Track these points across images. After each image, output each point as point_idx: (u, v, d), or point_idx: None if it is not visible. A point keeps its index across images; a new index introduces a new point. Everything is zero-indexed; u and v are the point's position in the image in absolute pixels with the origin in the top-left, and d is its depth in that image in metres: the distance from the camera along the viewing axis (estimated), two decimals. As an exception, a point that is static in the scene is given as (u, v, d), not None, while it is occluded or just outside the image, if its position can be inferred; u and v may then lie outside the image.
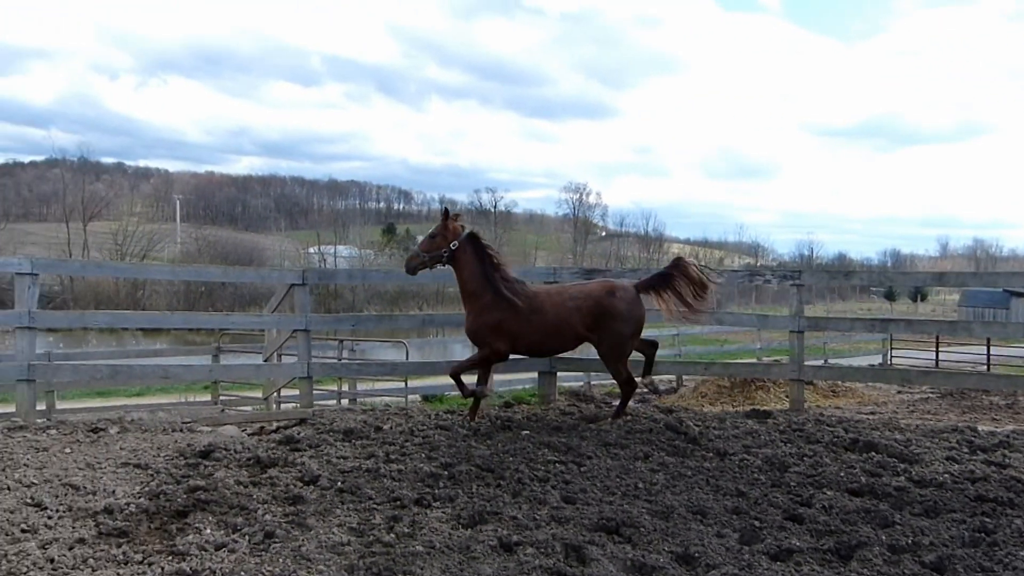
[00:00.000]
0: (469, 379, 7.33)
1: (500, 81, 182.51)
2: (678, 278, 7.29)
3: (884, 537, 4.31)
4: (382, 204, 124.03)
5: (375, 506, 4.71)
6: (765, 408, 8.71)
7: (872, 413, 9.31)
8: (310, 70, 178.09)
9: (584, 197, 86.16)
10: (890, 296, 73.18)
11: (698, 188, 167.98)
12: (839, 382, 12.02)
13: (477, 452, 5.93)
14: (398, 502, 4.77)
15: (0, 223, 69.61)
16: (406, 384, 12.39)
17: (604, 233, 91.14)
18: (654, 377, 8.56)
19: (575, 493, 5.04)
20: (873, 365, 20.49)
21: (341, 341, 12.56)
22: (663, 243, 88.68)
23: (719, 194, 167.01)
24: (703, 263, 8.16)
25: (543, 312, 7.10)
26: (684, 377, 15.28)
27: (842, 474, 5.54)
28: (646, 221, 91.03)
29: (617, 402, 7.82)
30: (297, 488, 4.99)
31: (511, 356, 7.45)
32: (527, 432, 6.74)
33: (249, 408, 12.23)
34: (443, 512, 4.62)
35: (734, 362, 12.56)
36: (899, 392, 12.34)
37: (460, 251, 7.11)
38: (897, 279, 42.11)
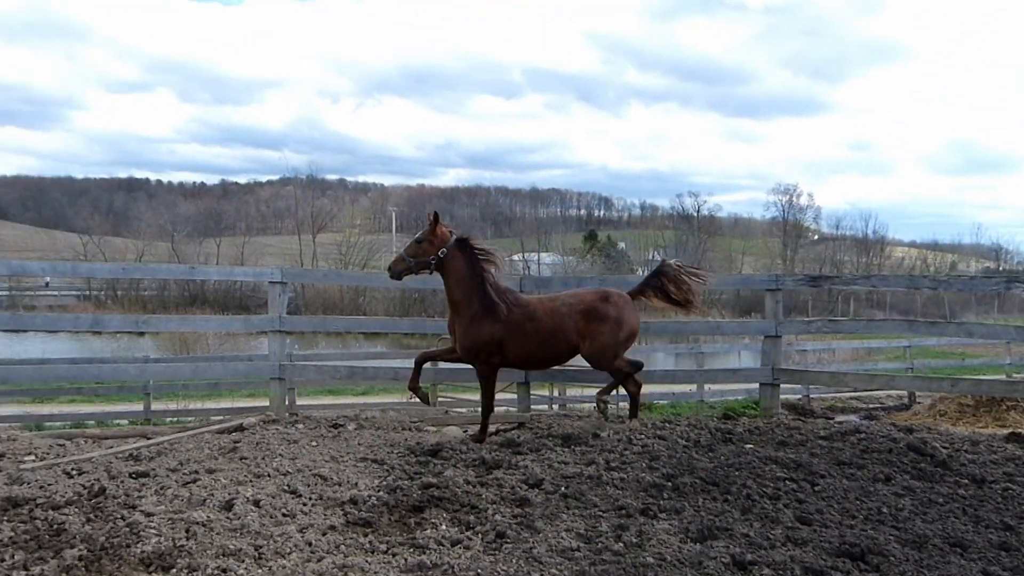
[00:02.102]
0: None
1: (701, 82, 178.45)
2: (663, 280, 7.41)
3: None
4: (583, 211, 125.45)
5: (600, 513, 4.69)
6: (1024, 431, 7.73)
7: None
8: (511, 83, 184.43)
9: (794, 199, 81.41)
10: None
11: (925, 185, 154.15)
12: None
13: (700, 464, 5.75)
14: (623, 511, 4.72)
15: (244, 237, 78.12)
16: (615, 391, 12.30)
17: (816, 237, 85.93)
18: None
19: (810, 514, 4.73)
20: None
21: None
22: (884, 246, 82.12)
23: (950, 191, 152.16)
24: (692, 265, 8.01)
25: (537, 319, 6.96)
26: (917, 393, 14.04)
27: None
28: (865, 223, 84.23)
29: (839, 417, 7.38)
30: (523, 491, 5.08)
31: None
32: (751, 446, 6.44)
33: (465, 410, 12.73)
34: (670, 524, 4.51)
35: (987, 378, 11.31)
36: None
37: (449, 258, 6.98)
38: None
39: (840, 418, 10.35)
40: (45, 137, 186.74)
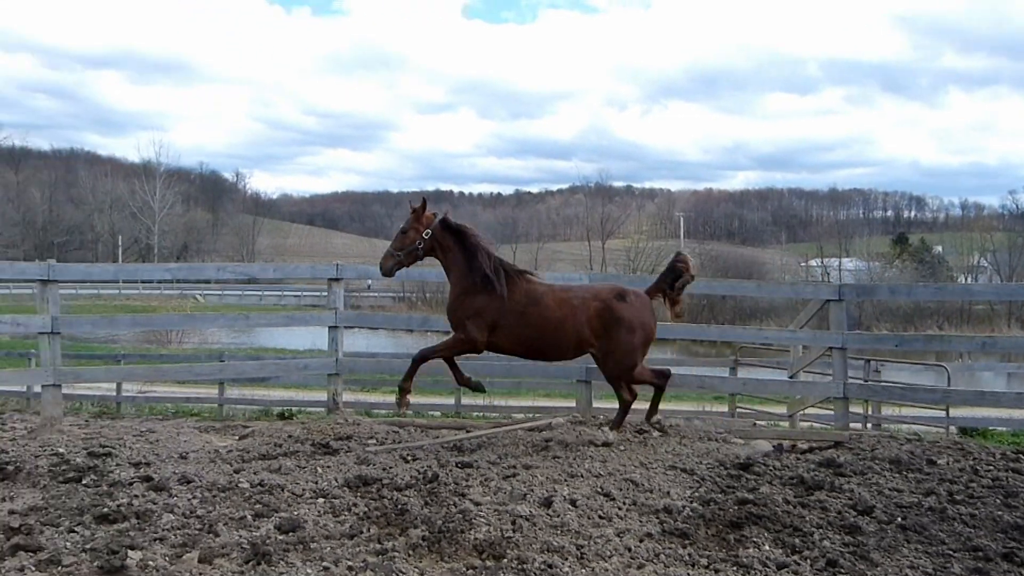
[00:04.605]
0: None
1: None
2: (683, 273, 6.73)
3: None
4: (889, 212, 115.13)
5: (950, 552, 4.16)
6: None
7: None
8: (806, 77, 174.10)
9: None
10: None
11: None
12: None
13: (1074, 507, 4.88)
14: (979, 553, 4.14)
15: (537, 243, 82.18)
16: (947, 413, 10.99)
17: None
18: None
19: None
20: None
21: (868, 361, 11.70)
22: None
23: None
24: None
25: (542, 304, 6.41)
26: None
27: None
28: None
29: None
30: (851, 517, 4.68)
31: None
32: None
33: (763, 423, 12.14)
34: (1043, 575, 3.87)
35: None
36: None
37: (439, 238, 6.58)
38: None
39: None
40: (368, 157, 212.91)
